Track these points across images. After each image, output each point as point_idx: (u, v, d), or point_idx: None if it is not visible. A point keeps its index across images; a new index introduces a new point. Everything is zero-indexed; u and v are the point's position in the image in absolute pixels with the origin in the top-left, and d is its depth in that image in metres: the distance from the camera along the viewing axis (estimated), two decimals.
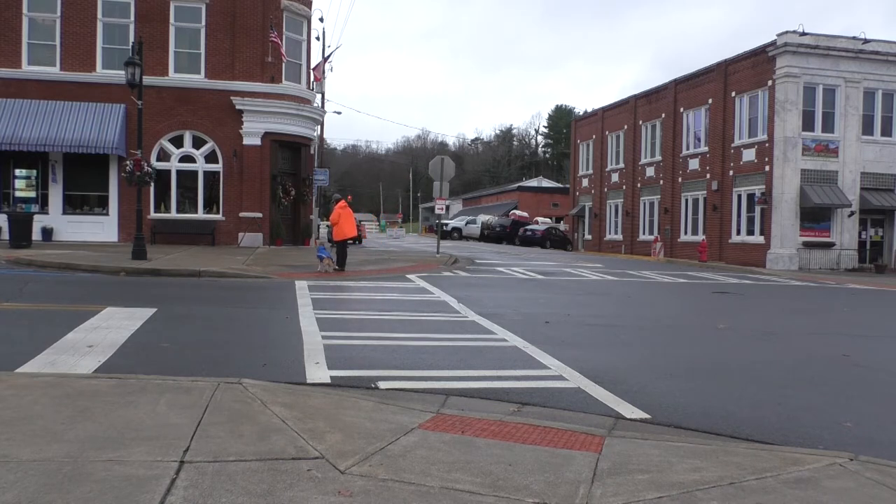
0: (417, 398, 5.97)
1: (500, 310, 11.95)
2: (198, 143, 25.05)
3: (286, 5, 25.79)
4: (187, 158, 25.02)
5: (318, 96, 32.92)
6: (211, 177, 25.28)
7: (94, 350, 7.37)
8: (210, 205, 25.37)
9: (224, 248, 23.32)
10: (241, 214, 24.99)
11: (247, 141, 24.96)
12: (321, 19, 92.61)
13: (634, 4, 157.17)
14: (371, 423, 4.93)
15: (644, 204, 39.63)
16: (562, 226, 53.81)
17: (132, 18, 24.36)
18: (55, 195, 24.21)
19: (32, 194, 24.29)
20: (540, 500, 3.74)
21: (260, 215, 25.14)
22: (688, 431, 5.53)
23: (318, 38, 44.20)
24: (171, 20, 24.69)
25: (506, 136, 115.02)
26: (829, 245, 29.10)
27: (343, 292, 13.66)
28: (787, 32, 28.38)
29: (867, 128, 29.45)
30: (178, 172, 24.96)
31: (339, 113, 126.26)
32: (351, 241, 19.13)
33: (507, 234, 49.10)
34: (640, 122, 40.11)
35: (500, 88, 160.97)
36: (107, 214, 24.53)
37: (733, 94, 31.50)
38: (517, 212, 57.60)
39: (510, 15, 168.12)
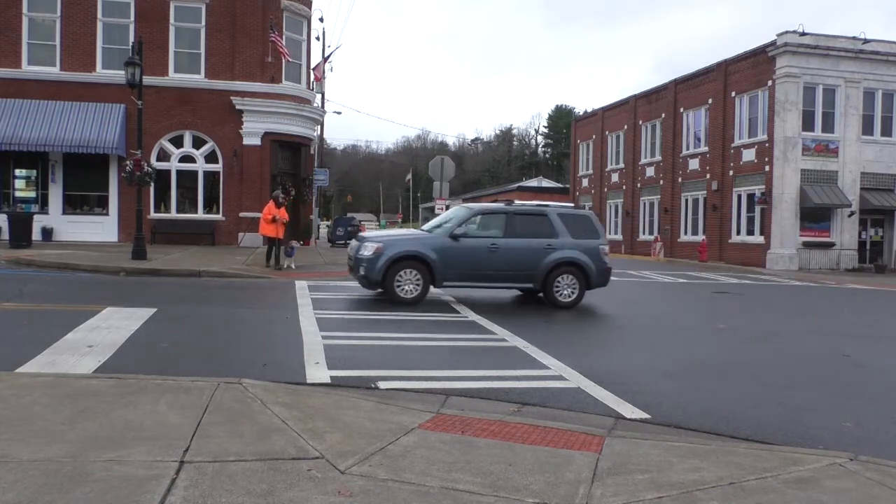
0: (417, 398, 5.97)
1: (500, 309, 11.95)
2: (198, 143, 25.04)
3: (286, 5, 25.79)
4: (187, 158, 25.02)
5: (318, 96, 32.93)
6: (211, 177, 25.28)
7: (94, 350, 7.37)
8: (210, 205, 25.36)
9: (224, 248, 23.32)
10: (241, 214, 24.98)
11: (247, 141, 24.96)
12: (321, 19, 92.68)
13: (636, 9, 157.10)
14: (371, 423, 4.93)
15: (644, 204, 39.62)
16: None
17: (132, 18, 24.35)
18: (55, 195, 24.20)
19: (32, 194, 24.28)
20: (540, 500, 3.74)
21: (260, 215, 25.11)
22: (688, 431, 5.53)
23: (318, 38, 44.24)
24: (171, 20, 24.68)
25: (506, 136, 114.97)
26: (829, 245, 29.09)
27: (343, 292, 13.67)
28: (787, 32, 28.37)
29: (867, 128, 29.43)
30: (178, 172, 24.96)
31: (339, 113, 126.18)
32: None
33: None
34: (640, 122, 40.09)
35: (500, 89, 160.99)
36: (107, 214, 24.53)
37: (733, 94, 31.49)
38: None
39: (512, 18, 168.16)
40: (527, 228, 12.86)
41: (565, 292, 12.77)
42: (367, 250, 12.29)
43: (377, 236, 13.21)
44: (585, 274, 12.86)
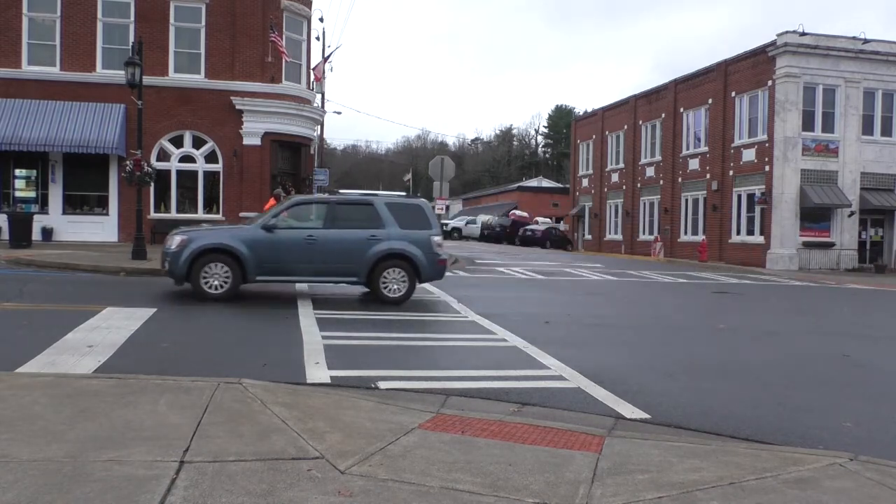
0: (417, 398, 5.97)
1: (501, 310, 11.95)
2: (198, 143, 25.03)
3: (286, 5, 25.78)
4: (187, 158, 25.01)
5: (318, 96, 32.93)
6: (211, 177, 25.27)
7: (94, 350, 7.37)
8: (210, 205, 25.35)
9: None
10: (241, 214, 24.92)
11: (247, 141, 24.95)
12: (321, 19, 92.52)
13: (636, 9, 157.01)
14: (371, 423, 4.93)
15: (644, 204, 39.63)
16: (562, 226, 53.79)
17: (132, 18, 24.34)
18: (55, 195, 24.18)
19: (32, 194, 24.26)
20: (540, 500, 3.74)
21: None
22: (688, 431, 5.53)
23: (318, 38, 44.16)
24: (171, 20, 24.66)
25: (506, 136, 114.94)
26: (829, 245, 29.10)
27: (343, 292, 13.66)
28: (787, 32, 28.38)
29: (867, 128, 29.44)
30: (178, 172, 24.94)
31: (339, 113, 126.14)
32: None
33: (507, 234, 49.06)
34: (640, 122, 40.10)
35: (500, 89, 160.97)
36: (107, 214, 24.51)
37: (733, 94, 31.50)
38: (517, 212, 57.56)
39: (512, 18, 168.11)
40: (350, 219, 12.21)
41: (393, 287, 12.10)
42: (173, 243, 11.68)
43: (188, 229, 12.57)
44: (415, 266, 12.14)
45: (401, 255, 12.13)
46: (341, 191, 12.94)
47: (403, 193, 13.19)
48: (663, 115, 37.44)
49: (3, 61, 23.66)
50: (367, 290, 12.90)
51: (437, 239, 12.55)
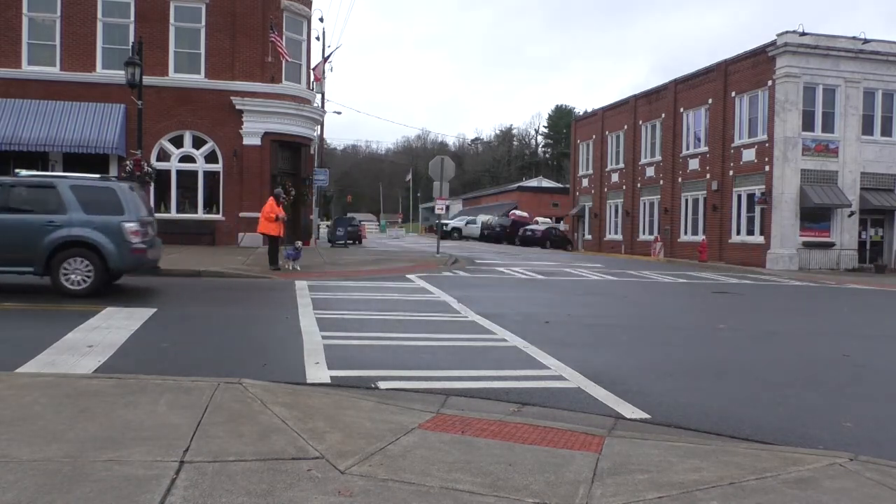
0: (417, 398, 5.97)
1: (500, 310, 11.95)
2: (198, 143, 25.05)
3: (286, 5, 25.79)
4: (187, 158, 25.03)
5: (318, 96, 32.94)
6: (211, 177, 25.28)
7: (94, 350, 7.37)
8: (210, 205, 25.36)
9: (224, 248, 23.32)
10: (241, 214, 24.98)
11: (247, 141, 24.97)
12: (321, 19, 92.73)
13: (636, 9, 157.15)
14: (371, 423, 4.93)
15: (644, 204, 39.62)
16: (562, 226, 53.78)
17: (132, 18, 24.36)
18: None
19: None
20: (540, 500, 3.74)
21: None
22: (687, 431, 5.53)
23: (318, 38, 44.18)
24: (171, 20, 24.69)
25: (506, 136, 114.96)
26: (829, 245, 29.09)
27: (343, 292, 13.67)
28: (787, 32, 28.36)
29: (867, 128, 29.42)
30: (178, 172, 24.96)
31: (339, 113, 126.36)
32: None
33: (507, 234, 49.06)
34: (640, 122, 40.09)
35: (500, 89, 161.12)
36: None
37: (733, 94, 31.49)
38: (517, 212, 57.58)
39: (512, 18, 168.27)
40: (26, 202, 11.35)
41: (74, 278, 11.21)
42: None
43: None
44: (102, 256, 11.18)
45: (82, 243, 11.17)
46: (23, 171, 12.02)
47: (98, 175, 12.32)
48: (663, 115, 37.43)
49: (4, 61, 23.67)
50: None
51: (131, 226, 11.43)
